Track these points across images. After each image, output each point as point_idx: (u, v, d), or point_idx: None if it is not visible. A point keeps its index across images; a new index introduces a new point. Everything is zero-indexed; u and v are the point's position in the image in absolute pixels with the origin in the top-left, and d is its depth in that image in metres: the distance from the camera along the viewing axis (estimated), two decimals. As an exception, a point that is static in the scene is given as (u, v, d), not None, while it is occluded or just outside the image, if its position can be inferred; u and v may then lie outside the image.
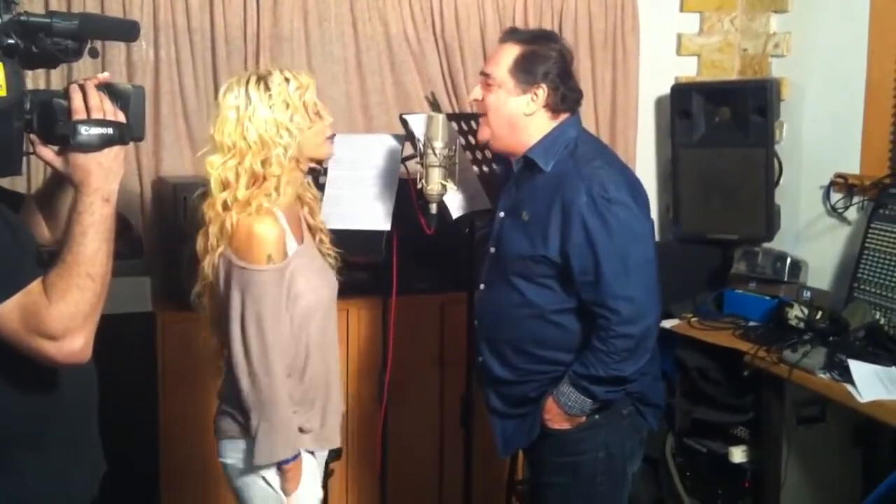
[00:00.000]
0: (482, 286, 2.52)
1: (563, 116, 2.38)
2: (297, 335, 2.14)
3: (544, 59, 2.33)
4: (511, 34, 2.42)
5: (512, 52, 2.35)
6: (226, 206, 2.07)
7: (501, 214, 2.46)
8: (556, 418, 2.37)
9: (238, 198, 2.07)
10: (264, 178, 2.09)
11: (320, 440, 2.22)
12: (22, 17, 1.53)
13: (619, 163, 2.43)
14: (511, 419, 2.49)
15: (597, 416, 2.37)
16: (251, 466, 2.12)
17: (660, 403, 2.51)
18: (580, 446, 2.39)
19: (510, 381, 2.45)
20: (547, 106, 2.34)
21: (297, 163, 2.15)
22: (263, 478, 2.13)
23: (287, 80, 2.10)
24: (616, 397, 2.35)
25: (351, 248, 2.52)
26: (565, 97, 2.35)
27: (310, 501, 2.19)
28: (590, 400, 2.32)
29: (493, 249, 2.48)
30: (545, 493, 2.50)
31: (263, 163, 2.08)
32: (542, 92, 2.33)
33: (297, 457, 2.12)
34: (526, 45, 2.35)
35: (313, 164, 2.26)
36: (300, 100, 2.11)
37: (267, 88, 2.07)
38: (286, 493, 2.13)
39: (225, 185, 2.08)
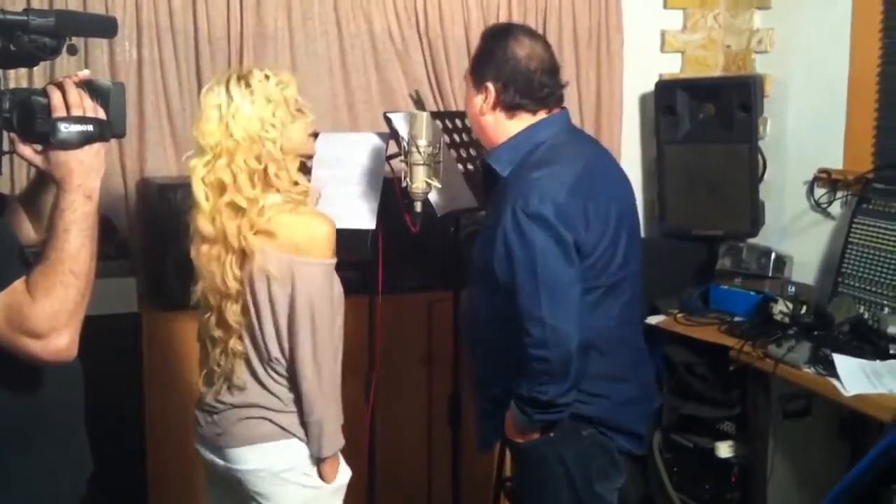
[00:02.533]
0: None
1: (531, 116, 2.30)
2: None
3: (491, 58, 2.29)
4: (481, 34, 2.42)
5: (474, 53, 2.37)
6: (236, 207, 2.05)
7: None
8: (509, 430, 2.31)
9: (248, 196, 2.06)
10: (266, 175, 2.09)
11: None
12: (-3, 16, 1.53)
13: (574, 175, 2.20)
14: (488, 418, 2.46)
15: (551, 434, 2.27)
16: (292, 466, 2.15)
17: (635, 430, 2.37)
18: (543, 460, 2.30)
19: (484, 381, 2.43)
20: (498, 105, 2.29)
21: (292, 157, 2.15)
22: (306, 473, 2.17)
23: (267, 76, 2.11)
24: (551, 419, 2.22)
25: (336, 247, 2.51)
26: (517, 94, 2.27)
27: (345, 479, 2.26)
28: (526, 418, 2.22)
29: None
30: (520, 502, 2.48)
31: (258, 159, 2.07)
32: (490, 92, 2.29)
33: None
34: (481, 44, 2.35)
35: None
36: (281, 94, 2.11)
37: (248, 85, 2.08)
38: (328, 481, 2.19)
39: (220, 188, 2.06)
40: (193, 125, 2.14)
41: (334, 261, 2.13)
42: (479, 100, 2.32)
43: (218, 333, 2.16)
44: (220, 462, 2.22)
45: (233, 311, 2.11)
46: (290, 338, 2.11)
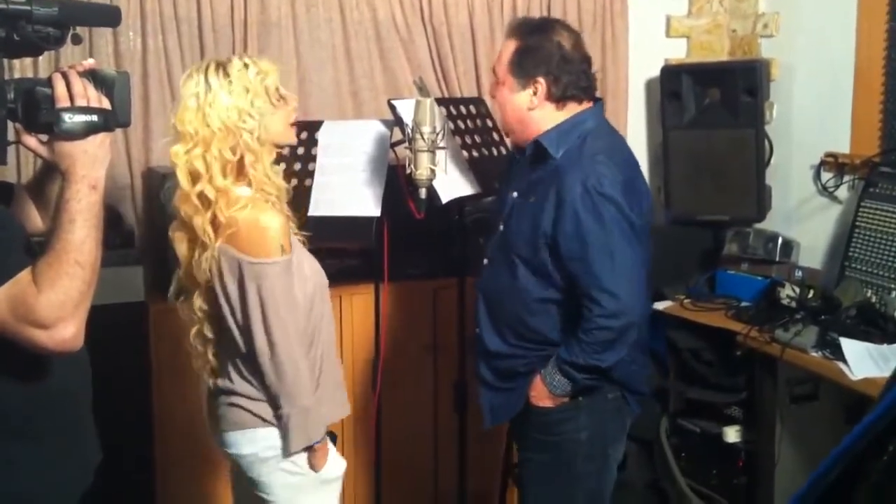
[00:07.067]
0: (486, 261, 2.55)
1: (577, 105, 2.39)
2: (308, 316, 2.17)
3: (539, 53, 2.33)
4: (511, 29, 2.44)
5: (510, 48, 2.39)
6: (205, 199, 2.04)
7: (514, 195, 2.47)
8: (540, 395, 2.43)
9: (218, 187, 2.04)
10: (241, 167, 2.08)
11: (333, 412, 2.26)
12: (1, 6, 1.52)
13: (624, 164, 2.38)
14: (499, 392, 2.54)
15: (580, 399, 2.42)
16: (278, 453, 2.15)
17: (643, 391, 2.55)
18: (563, 426, 2.44)
19: (502, 355, 2.49)
20: (549, 98, 2.36)
21: (268, 148, 2.13)
22: (292, 461, 2.16)
23: (246, 65, 2.09)
24: (597, 384, 2.40)
25: (341, 235, 2.51)
26: (568, 86, 2.35)
27: (337, 472, 2.25)
28: (572, 383, 2.38)
29: (501, 228, 2.50)
30: (527, 469, 2.55)
31: (233, 150, 2.06)
32: (541, 86, 2.35)
33: (324, 436, 2.18)
34: (522, 40, 2.37)
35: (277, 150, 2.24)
36: (261, 84, 2.09)
37: (226, 75, 2.06)
38: (316, 469, 2.18)
39: (195, 177, 2.05)
40: (171, 112, 2.13)
41: (286, 257, 2.07)
42: (525, 95, 2.37)
43: (190, 318, 2.20)
44: (220, 445, 2.24)
45: (197, 300, 2.15)
46: (246, 335, 2.10)
